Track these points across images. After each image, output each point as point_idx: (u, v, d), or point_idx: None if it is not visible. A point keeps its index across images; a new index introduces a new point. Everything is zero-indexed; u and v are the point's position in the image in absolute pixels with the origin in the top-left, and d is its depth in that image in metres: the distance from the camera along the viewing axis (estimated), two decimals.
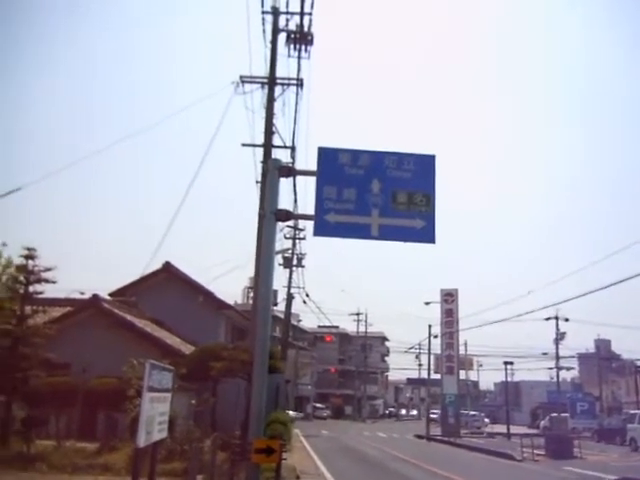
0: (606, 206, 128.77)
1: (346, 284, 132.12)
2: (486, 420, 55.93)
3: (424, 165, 13.68)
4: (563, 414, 35.62)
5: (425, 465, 18.01)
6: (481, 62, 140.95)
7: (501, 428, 44.20)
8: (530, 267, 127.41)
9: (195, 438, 11.71)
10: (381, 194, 13.29)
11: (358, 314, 65.87)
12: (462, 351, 48.03)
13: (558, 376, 46.87)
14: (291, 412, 43.39)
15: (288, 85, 16.24)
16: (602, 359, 60.03)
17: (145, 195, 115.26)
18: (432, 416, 54.48)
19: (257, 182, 15.75)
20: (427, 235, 13.49)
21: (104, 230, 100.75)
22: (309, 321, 60.78)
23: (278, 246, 25.99)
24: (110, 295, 22.32)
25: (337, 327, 68.65)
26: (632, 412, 33.47)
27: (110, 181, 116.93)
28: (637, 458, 23.17)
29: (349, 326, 69.90)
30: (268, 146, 15.48)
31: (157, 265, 23.40)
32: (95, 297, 18.89)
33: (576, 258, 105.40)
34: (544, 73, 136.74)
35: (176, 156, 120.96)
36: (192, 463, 8.55)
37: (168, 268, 23.86)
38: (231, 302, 30.75)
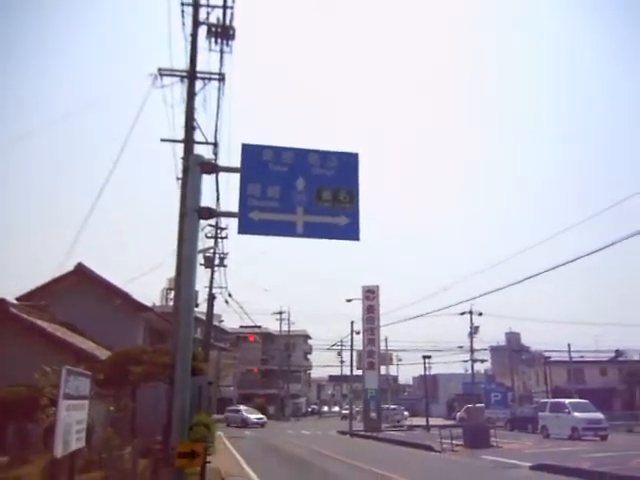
0: (523, 203, 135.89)
1: (269, 283, 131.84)
2: (406, 413, 57.54)
3: (348, 163, 13.80)
4: (478, 405, 37.13)
5: (349, 460, 18.20)
6: (403, 60, 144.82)
7: (420, 420, 45.59)
8: (448, 264, 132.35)
9: (115, 446, 11.19)
10: (305, 191, 13.27)
11: (281, 313, 65.86)
12: (383, 347, 49.11)
13: (473, 368, 48.87)
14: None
15: (209, 79, 15.84)
16: (513, 351, 63.20)
17: (60, 192, 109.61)
18: (344, 412, 55.53)
19: (178, 179, 15.27)
20: (351, 232, 13.62)
21: (11, 230, 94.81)
22: (231, 321, 59.92)
23: (199, 245, 25.42)
24: (17, 299, 20.93)
25: (260, 327, 68.26)
26: (542, 401, 35.42)
27: (21, 176, 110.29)
28: (549, 444, 24.51)
29: (272, 325, 69.81)
30: (189, 142, 15.03)
31: (70, 267, 22.25)
32: (1, 301, 17.67)
33: (490, 255, 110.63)
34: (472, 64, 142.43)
35: (92, 151, 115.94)
36: (112, 472, 8.13)
37: (81, 270, 22.69)
38: (149, 304, 29.79)
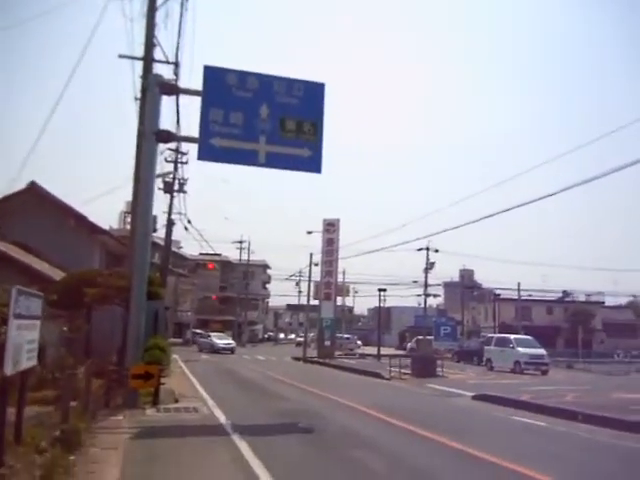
0: (490, 137, 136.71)
1: (230, 212, 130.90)
2: (359, 342, 59.50)
3: (313, 93, 13.52)
4: (428, 337, 38.56)
5: (300, 385, 18.85)
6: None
7: (372, 350, 47.24)
8: (407, 199, 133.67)
9: (68, 365, 11.26)
10: (269, 120, 13.02)
11: (241, 242, 65.90)
12: (340, 279, 50.04)
13: (425, 302, 50.53)
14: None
15: None
16: (465, 287, 65.35)
17: (12, 104, 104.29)
18: (299, 339, 56.95)
19: (136, 99, 14.71)
20: (313, 164, 13.55)
21: None
22: (191, 248, 59.68)
23: (159, 169, 24.82)
24: None
25: (219, 255, 68.32)
26: (489, 335, 37.02)
27: None
28: (492, 376, 25.84)
29: (232, 254, 69.93)
30: (149, 60, 14.40)
31: (22, 186, 21.52)
32: None
33: (453, 191, 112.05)
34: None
35: (47, 62, 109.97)
36: (64, 390, 8.21)
37: (34, 188, 21.97)
38: (106, 227, 29.29)
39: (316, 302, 45.39)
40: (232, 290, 71.21)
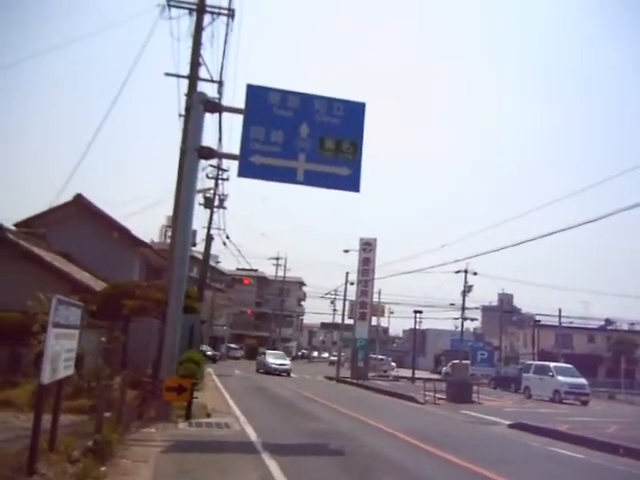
0: (529, 160, 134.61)
1: (267, 229, 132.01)
2: (393, 364, 58.80)
3: (354, 112, 13.57)
4: (464, 361, 37.83)
5: (332, 405, 18.68)
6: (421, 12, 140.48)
7: (406, 372, 46.58)
8: (447, 220, 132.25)
9: (104, 375, 11.45)
10: (309, 139, 13.11)
11: (277, 258, 66.32)
12: (375, 298, 49.69)
13: (462, 326, 49.66)
14: (208, 351, 43.23)
15: (218, 14, 15.42)
16: (504, 312, 63.89)
17: (62, 121, 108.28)
18: (332, 358, 56.10)
19: (180, 116, 15.05)
20: (352, 183, 13.54)
21: (11, 157, 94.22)
22: (228, 263, 60.72)
23: (200, 185, 25.27)
24: (16, 226, 20.99)
25: (256, 270, 68.82)
26: (528, 362, 36.12)
27: (19, 102, 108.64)
28: (530, 405, 25.11)
29: (268, 270, 70.42)
30: (193, 78, 14.74)
31: (68, 198, 22.21)
32: None
33: (491, 214, 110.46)
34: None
35: (96, 81, 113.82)
36: (100, 400, 8.34)
37: (80, 200, 22.65)
38: (147, 240, 29.90)
39: (351, 321, 45.13)
40: (267, 306, 71.55)
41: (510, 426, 15.86)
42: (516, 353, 61.82)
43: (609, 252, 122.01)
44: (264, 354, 40.22)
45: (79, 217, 22.46)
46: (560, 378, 28.60)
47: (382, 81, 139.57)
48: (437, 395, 23.24)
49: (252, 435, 10.98)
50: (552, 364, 31.54)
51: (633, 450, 11.59)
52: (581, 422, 17.27)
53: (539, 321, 58.95)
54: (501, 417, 17.71)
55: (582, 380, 28.93)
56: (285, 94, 13.12)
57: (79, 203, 22.75)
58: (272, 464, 8.26)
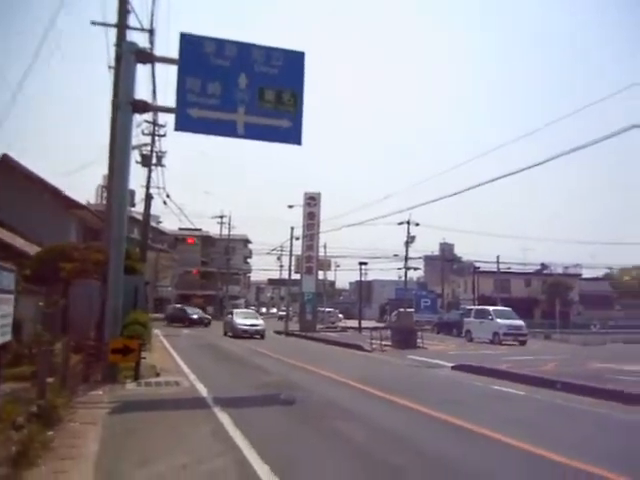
0: (475, 111, 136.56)
1: (210, 187, 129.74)
2: (340, 316, 59.97)
3: (293, 62, 13.21)
4: (409, 309, 38.90)
5: (282, 358, 18.87)
6: None
7: (354, 323, 47.55)
8: (390, 173, 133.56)
9: (45, 341, 11.08)
10: (248, 90, 12.72)
11: (222, 217, 65.44)
12: (321, 252, 50.06)
13: (406, 275, 50.76)
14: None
15: None
16: (445, 261, 65.81)
17: None
18: (281, 313, 56.64)
19: (110, 67, 14.26)
20: (294, 136, 13.31)
21: None
22: (171, 223, 59.25)
23: (135, 142, 24.34)
24: None
25: (200, 229, 67.84)
26: (468, 307, 37.46)
27: None
28: (471, 347, 26.15)
29: (212, 229, 69.47)
30: (122, 27, 13.93)
31: None
32: None
33: (434, 166, 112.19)
34: None
35: (16, 29, 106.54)
36: (41, 365, 8.06)
37: (6, 161, 21.45)
38: (84, 202, 28.80)
39: (297, 276, 45.41)
40: (213, 265, 70.93)
41: (453, 368, 16.50)
42: (457, 299, 64.06)
43: (546, 199, 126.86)
44: (231, 314, 34.42)
45: (7, 179, 21.30)
46: (499, 321, 29.81)
47: (326, 32, 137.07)
48: (383, 342, 23.87)
49: (203, 391, 10.97)
50: (491, 308, 32.79)
51: (569, 385, 12.29)
52: (520, 361, 18.12)
53: (478, 268, 61.15)
54: (445, 360, 18.38)
55: (519, 322, 30.26)
56: (221, 43, 12.63)
57: (5, 164, 21.53)
58: (224, 417, 8.28)
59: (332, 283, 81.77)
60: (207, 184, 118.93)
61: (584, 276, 66.22)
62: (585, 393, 11.49)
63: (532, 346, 27.72)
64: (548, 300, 55.86)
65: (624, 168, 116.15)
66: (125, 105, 11.91)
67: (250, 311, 39.19)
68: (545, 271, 64.05)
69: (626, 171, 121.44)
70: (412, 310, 37.67)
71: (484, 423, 8.20)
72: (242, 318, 32.36)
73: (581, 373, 14.42)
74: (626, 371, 15.48)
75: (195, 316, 45.29)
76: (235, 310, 37.34)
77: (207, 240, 73.01)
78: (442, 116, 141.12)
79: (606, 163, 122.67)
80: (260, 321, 32.72)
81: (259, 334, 30.67)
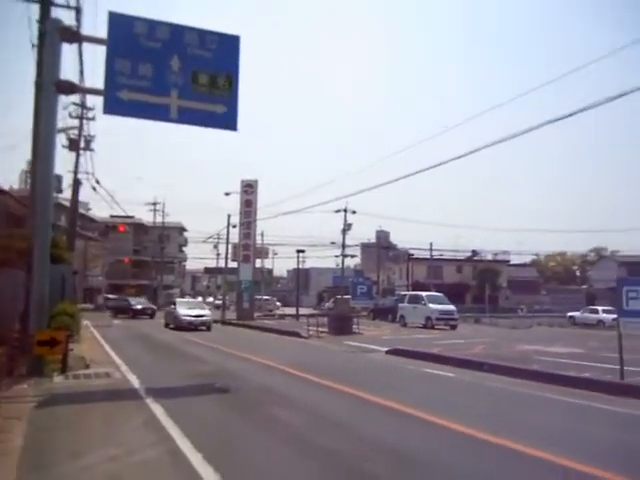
0: (408, 95, 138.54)
1: (143, 172, 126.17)
2: (278, 303, 60.02)
3: (228, 46, 12.94)
4: (345, 296, 39.33)
5: (218, 346, 18.69)
6: None
7: (291, 311, 47.71)
8: (328, 160, 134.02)
9: None
10: (181, 73, 12.37)
11: (155, 204, 63.89)
12: (259, 240, 49.78)
13: (343, 263, 51.34)
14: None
15: None
16: (381, 248, 66.89)
17: None
18: (217, 302, 56.01)
19: (33, 46, 13.51)
20: (229, 121, 13.06)
21: None
22: (101, 210, 57.40)
23: (62, 125, 23.31)
24: None
25: (132, 217, 65.88)
26: (402, 293, 38.35)
27: None
28: (405, 332, 26.79)
29: (145, 216, 67.66)
30: (47, 2, 13.22)
31: None
32: None
33: (370, 153, 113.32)
34: None
35: None
36: None
37: None
38: (6, 187, 27.34)
39: (234, 264, 45.01)
40: (146, 254, 69.18)
41: (388, 352, 16.87)
42: (393, 286, 65.41)
43: (476, 186, 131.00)
44: (174, 304, 31.49)
45: None
46: (431, 306, 30.70)
47: (260, 15, 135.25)
48: (320, 329, 24.11)
49: (135, 382, 10.71)
50: (424, 293, 33.71)
51: (495, 366, 12.88)
52: (451, 344, 18.75)
53: (413, 255, 62.64)
54: (379, 345, 18.75)
55: (451, 306, 31.27)
56: (153, 24, 12.21)
57: None
58: (156, 408, 8.13)
59: (270, 271, 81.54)
60: (140, 170, 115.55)
61: (512, 262, 69.06)
62: (510, 374, 12.05)
63: (463, 330, 28.70)
64: (478, 286, 57.97)
65: (546, 159, 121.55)
66: (49, 85, 11.35)
67: (195, 300, 36.35)
68: (475, 258, 66.33)
69: (548, 162, 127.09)
70: (349, 297, 38.00)
71: (416, 404, 8.45)
72: (186, 308, 29.72)
73: (507, 355, 15.07)
74: (549, 352, 16.32)
75: (139, 306, 42.02)
76: (178, 300, 35.36)
77: (140, 228, 71.05)
78: (379, 102, 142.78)
79: (529, 153, 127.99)
80: (206, 311, 30.47)
81: (205, 325, 28.30)
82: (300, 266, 51.84)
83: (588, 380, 10.92)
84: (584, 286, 72.20)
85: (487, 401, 9.69)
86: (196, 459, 5.58)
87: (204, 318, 28.75)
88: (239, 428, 7.22)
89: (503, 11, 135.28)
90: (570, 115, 12.64)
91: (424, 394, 10.09)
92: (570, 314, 40.51)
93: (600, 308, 38.28)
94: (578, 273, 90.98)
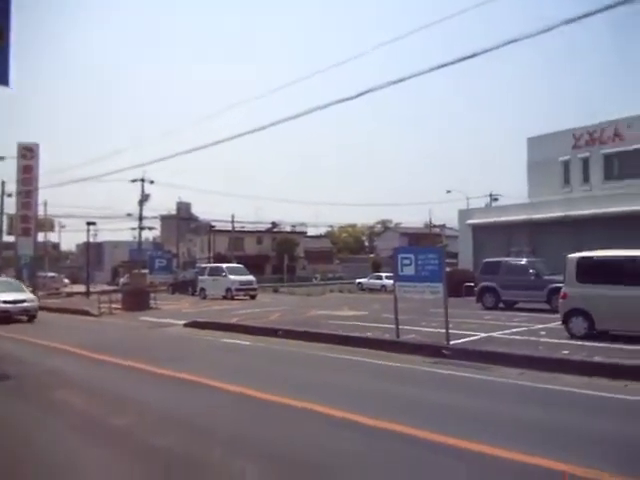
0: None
1: None
2: (66, 281, 55.53)
3: None
4: (143, 270, 37.84)
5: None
6: None
7: (82, 288, 44.53)
8: (115, 124, 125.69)
9: None
10: None
11: None
12: (41, 211, 45.23)
13: (140, 235, 49.23)
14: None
15: None
16: (181, 220, 65.40)
17: None
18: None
19: None
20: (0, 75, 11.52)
21: None
22: None
23: None
24: None
25: None
26: (203, 265, 38.07)
27: None
28: (205, 304, 26.62)
29: None
30: None
31: None
32: None
33: (172, 120, 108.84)
34: None
35: None
36: None
37: None
38: None
39: (12, 238, 40.42)
40: None
41: (186, 325, 16.70)
42: (194, 258, 64.58)
43: (279, 160, 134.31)
44: None
45: None
46: (231, 277, 31.01)
47: None
48: (113, 306, 22.96)
49: None
50: (224, 265, 33.87)
51: (288, 331, 13.57)
52: (250, 314, 19.14)
53: (214, 227, 62.39)
54: (177, 319, 18.45)
55: (251, 277, 31.90)
56: None
57: None
58: None
59: (56, 245, 74.82)
60: None
61: (309, 234, 72.62)
62: (302, 338, 12.78)
63: (262, 299, 29.49)
64: (277, 256, 60.01)
65: (349, 131, 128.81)
66: None
67: (10, 280, 25.80)
68: (275, 229, 68.39)
69: (349, 133, 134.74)
70: (145, 271, 36.64)
71: (208, 374, 8.56)
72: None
73: (301, 321, 15.87)
74: (338, 316, 17.54)
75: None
76: None
77: None
78: (164, 57, 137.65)
79: (335, 125, 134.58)
80: (29, 295, 22.17)
81: (28, 314, 20.49)
82: (92, 239, 48.48)
83: (368, 339, 11.97)
84: (371, 255, 78.72)
85: (277, 364, 10.19)
86: None
87: (25, 304, 20.52)
88: (20, 414, 6.71)
89: None
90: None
91: (217, 362, 10.32)
92: (358, 281, 43.86)
93: (384, 274, 42.00)
94: (367, 243, 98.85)
